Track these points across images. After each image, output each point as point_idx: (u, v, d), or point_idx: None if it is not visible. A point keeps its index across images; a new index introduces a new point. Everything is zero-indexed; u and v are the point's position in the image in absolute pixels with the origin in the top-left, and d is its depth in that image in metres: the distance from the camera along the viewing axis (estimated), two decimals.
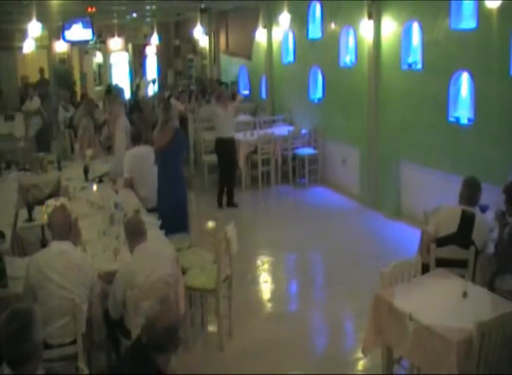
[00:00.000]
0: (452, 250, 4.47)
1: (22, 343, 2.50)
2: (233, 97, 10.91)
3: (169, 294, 4.05)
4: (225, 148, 8.81)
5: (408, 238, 6.64)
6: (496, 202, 5.08)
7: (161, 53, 19.01)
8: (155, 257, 4.11)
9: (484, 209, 5.02)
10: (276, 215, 8.76)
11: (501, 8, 6.06)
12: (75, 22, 13.02)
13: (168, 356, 2.89)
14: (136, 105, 12.83)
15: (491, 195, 5.00)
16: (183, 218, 6.02)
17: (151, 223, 5.15)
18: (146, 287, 3.97)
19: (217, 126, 8.92)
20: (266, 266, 6.86)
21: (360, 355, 4.46)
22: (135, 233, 4.15)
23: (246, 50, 13.34)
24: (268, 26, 11.70)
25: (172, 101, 12.41)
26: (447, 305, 3.77)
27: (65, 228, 4.00)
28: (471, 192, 4.62)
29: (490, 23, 6.28)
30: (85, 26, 13.09)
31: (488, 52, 6.37)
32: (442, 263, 4.43)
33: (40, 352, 2.63)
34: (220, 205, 8.91)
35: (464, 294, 3.77)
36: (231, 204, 8.93)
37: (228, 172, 8.91)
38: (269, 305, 5.88)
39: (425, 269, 4.37)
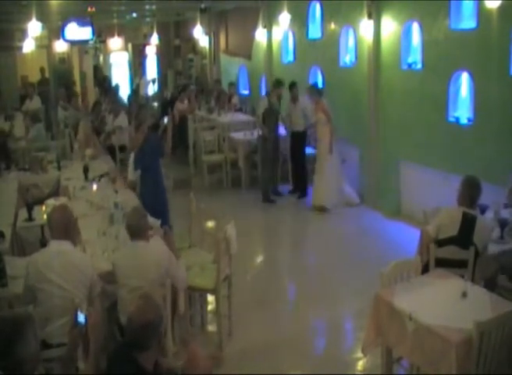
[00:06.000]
0: (452, 250, 4.45)
1: (7, 354, 2.41)
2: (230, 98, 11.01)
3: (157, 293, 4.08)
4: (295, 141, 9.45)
5: (408, 238, 6.62)
6: (495, 202, 5.07)
7: (161, 53, 18.97)
8: (143, 258, 4.15)
9: (483, 209, 4.96)
10: (276, 214, 8.76)
11: (501, 8, 6.06)
12: (75, 21, 13.00)
13: (151, 354, 2.83)
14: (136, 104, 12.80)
15: (491, 195, 4.99)
16: (163, 219, 6.03)
17: (151, 223, 5.15)
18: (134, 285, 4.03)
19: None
20: (266, 266, 6.86)
21: (360, 355, 4.46)
22: (133, 233, 4.22)
23: (246, 50, 13.31)
24: (268, 26, 11.68)
25: None
26: (447, 305, 3.76)
27: (64, 228, 3.99)
28: (471, 193, 4.52)
29: (490, 23, 6.28)
30: (85, 26, 13.07)
31: (488, 52, 6.37)
32: (442, 263, 4.42)
33: (31, 365, 2.50)
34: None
35: (464, 294, 3.77)
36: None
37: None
38: (269, 305, 5.88)
39: (425, 269, 4.37)
